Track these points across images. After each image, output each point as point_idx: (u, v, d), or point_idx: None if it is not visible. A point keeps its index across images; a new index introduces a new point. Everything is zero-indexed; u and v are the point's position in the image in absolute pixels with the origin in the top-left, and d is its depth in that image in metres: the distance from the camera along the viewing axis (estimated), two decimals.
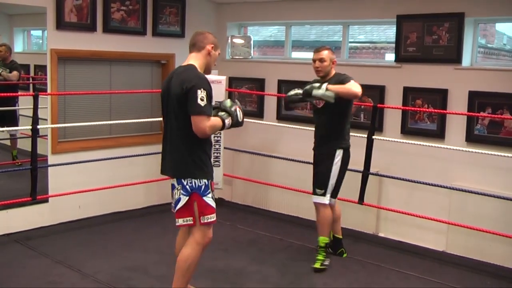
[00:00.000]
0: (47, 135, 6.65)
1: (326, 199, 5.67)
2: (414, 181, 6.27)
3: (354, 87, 5.34)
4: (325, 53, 5.60)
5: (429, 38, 6.37)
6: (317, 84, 5.42)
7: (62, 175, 6.70)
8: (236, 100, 4.67)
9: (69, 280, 5.25)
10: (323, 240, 5.72)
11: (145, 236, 6.56)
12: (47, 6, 6.43)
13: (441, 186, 6.11)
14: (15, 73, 7.03)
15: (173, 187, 4.42)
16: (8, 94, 6.46)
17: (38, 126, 6.05)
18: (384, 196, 6.81)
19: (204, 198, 4.34)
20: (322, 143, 5.74)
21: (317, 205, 5.74)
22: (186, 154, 4.26)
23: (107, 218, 7.15)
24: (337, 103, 5.34)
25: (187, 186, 4.29)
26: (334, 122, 5.63)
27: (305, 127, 6.91)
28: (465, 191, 5.97)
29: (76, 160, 6.70)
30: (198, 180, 4.30)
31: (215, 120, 4.26)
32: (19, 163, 7.10)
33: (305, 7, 7.44)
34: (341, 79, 5.45)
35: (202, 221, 4.38)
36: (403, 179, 6.37)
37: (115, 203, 7.31)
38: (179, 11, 7.71)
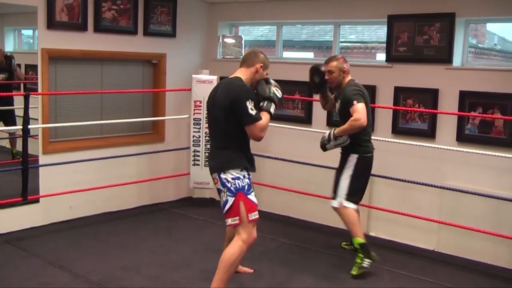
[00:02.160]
0: (38, 135, 6.63)
1: (335, 203, 5.62)
2: (405, 181, 6.29)
3: (356, 121, 5.26)
4: (333, 64, 5.58)
5: (420, 38, 6.39)
6: (326, 136, 5.56)
7: (53, 175, 6.68)
8: (269, 79, 4.82)
9: (61, 280, 5.23)
10: (356, 241, 5.54)
11: (137, 236, 6.55)
12: (38, 5, 6.40)
13: (432, 186, 6.14)
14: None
15: (218, 191, 4.66)
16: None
17: (29, 126, 6.04)
18: (375, 195, 6.82)
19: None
20: (343, 148, 5.70)
21: (335, 210, 5.69)
22: (228, 154, 4.60)
23: (98, 218, 7.13)
24: (348, 111, 5.36)
25: (229, 186, 4.55)
26: None
27: (296, 127, 6.93)
28: (456, 190, 6.00)
29: (67, 160, 6.69)
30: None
31: (265, 120, 4.54)
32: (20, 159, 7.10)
33: (296, 7, 7.45)
34: (347, 100, 5.38)
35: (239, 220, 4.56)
36: (394, 179, 6.39)
37: (107, 203, 7.29)
38: (170, 11, 7.70)
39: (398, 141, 6.38)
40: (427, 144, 6.15)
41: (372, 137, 6.38)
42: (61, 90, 6.81)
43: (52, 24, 6.51)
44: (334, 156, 6.87)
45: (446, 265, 5.96)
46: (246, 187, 4.56)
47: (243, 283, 5.34)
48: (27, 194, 6.16)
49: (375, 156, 6.48)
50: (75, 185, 6.77)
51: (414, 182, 6.24)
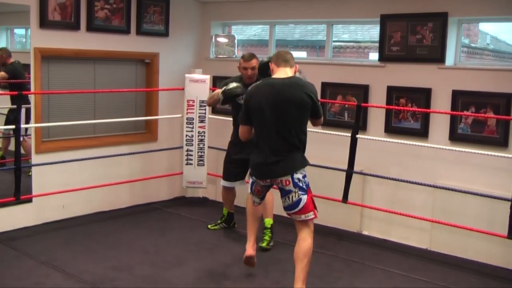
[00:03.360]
0: (30, 135, 6.61)
1: None
2: (398, 180, 6.31)
3: None
4: (255, 61, 6.01)
5: (413, 37, 6.40)
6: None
7: (46, 174, 6.67)
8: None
9: (53, 280, 5.22)
10: (269, 221, 6.22)
11: (129, 235, 6.53)
12: (30, 4, 6.38)
13: (425, 185, 6.14)
14: (1, 73, 6.99)
15: (283, 192, 4.82)
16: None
17: (22, 125, 6.02)
18: (368, 194, 6.84)
19: None
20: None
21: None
22: (297, 154, 4.85)
23: (91, 218, 7.12)
24: None
25: (301, 185, 4.78)
26: None
27: None
28: (449, 189, 6.01)
29: (60, 160, 6.67)
30: None
31: None
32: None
33: (289, 6, 7.45)
34: None
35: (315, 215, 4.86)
36: (387, 178, 6.40)
37: (99, 203, 7.28)
38: (163, 10, 7.69)
39: (391, 140, 6.38)
40: (420, 143, 6.16)
41: (365, 136, 6.43)
42: (53, 90, 6.80)
43: (44, 23, 6.49)
44: (326, 155, 6.89)
45: (439, 263, 5.97)
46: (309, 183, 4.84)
47: (236, 282, 5.34)
48: (19, 194, 6.14)
49: (368, 154, 6.52)
50: (68, 184, 6.76)
51: (407, 181, 6.24)
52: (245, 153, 5.82)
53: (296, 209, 4.74)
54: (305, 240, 4.75)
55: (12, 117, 6.65)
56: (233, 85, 5.75)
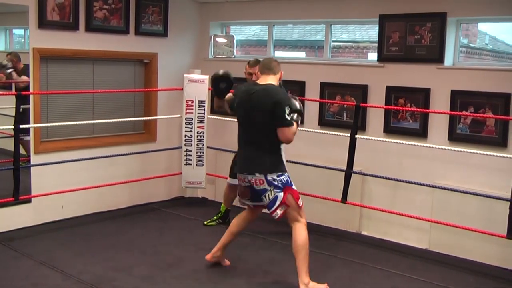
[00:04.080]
0: (29, 135, 6.61)
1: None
2: (397, 180, 6.31)
3: None
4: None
5: (412, 37, 6.40)
6: None
7: (45, 175, 6.67)
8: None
9: (52, 281, 5.22)
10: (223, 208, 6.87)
11: (128, 236, 6.53)
12: (29, 4, 6.39)
13: (423, 185, 6.14)
14: (24, 77, 6.95)
15: (260, 192, 5.06)
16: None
17: (21, 126, 6.02)
18: (367, 194, 6.84)
19: None
20: None
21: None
22: (269, 155, 5.07)
23: (90, 218, 7.11)
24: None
25: (276, 182, 5.03)
26: None
27: None
28: (448, 189, 6.01)
29: (59, 160, 6.67)
30: None
31: (295, 127, 5.02)
32: None
33: (287, 7, 7.45)
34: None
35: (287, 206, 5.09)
36: (386, 178, 6.39)
37: (98, 203, 7.28)
38: (162, 10, 7.69)
39: (390, 140, 6.38)
40: (418, 144, 6.16)
41: (364, 136, 6.44)
42: (52, 90, 6.79)
43: (43, 23, 6.49)
44: (325, 155, 6.90)
45: (438, 264, 5.98)
46: (290, 181, 5.11)
47: (234, 283, 5.34)
48: (18, 194, 6.14)
49: (367, 155, 6.52)
50: (66, 185, 6.76)
51: (406, 181, 6.25)
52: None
53: (273, 207, 5.01)
54: (297, 233, 5.01)
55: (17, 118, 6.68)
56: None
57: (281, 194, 4.98)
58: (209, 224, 6.87)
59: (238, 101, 5.16)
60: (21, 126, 6.00)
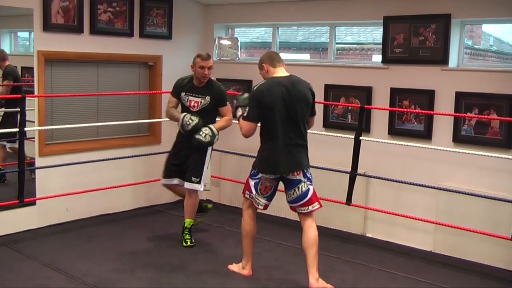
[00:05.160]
0: (34, 137, 6.62)
1: (200, 187, 6.23)
2: (402, 182, 6.29)
3: (230, 120, 6.22)
4: (212, 61, 6.13)
5: (416, 39, 6.40)
6: (208, 133, 6.06)
7: (50, 177, 6.69)
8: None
9: (57, 283, 5.22)
10: (189, 222, 6.33)
11: (133, 238, 6.54)
12: (33, 7, 6.41)
13: (428, 187, 6.13)
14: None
15: (294, 182, 5.09)
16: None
17: (25, 129, 6.03)
18: (371, 196, 6.84)
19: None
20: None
21: (191, 191, 6.23)
22: (307, 149, 5.17)
23: (94, 220, 7.12)
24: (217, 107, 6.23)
25: (309, 176, 5.14)
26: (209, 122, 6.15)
27: None
28: (452, 191, 6.00)
29: (63, 162, 6.68)
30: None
31: None
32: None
33: (292, 9, 7.45)
34: (222, 95, 6.23)
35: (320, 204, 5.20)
36: (390, 180, 6.38)
37: (103, 205, 7.29)
38: (166, 13, 7.70)
39: (394, 142, 6.38)
40: (423, 145, 6.15)
41: (368, 138, 6.43)
42: (57, 93, 6.81)
43: (48, 26, 6.51)
44: (329, 157, 6.89)
45: (443, 266, 5.97)
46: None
47: (239, 285, 5.34)
48: (23, 196, 6.15)
49: (371, 156, 6.52)
50: (71, 187, 6.77)
51: (410, 183, 6.24)
52: (177, 157, 6.31)
53: (305, 200, 5.08)
54: (312, 228, 5.11)
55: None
56: (193, 122, 5.98)
57: (311, 188, 5.12)
58: (197, 223, 6.67)
59: (274, 97, 4.94)
60: (26, 129, 6.01)
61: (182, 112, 6.15)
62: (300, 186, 5.08)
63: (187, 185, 6.18)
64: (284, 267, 5.74)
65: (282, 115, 4.96)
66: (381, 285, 5.45)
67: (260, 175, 5.16)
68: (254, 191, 5.20)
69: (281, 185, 5.23)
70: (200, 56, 6.07)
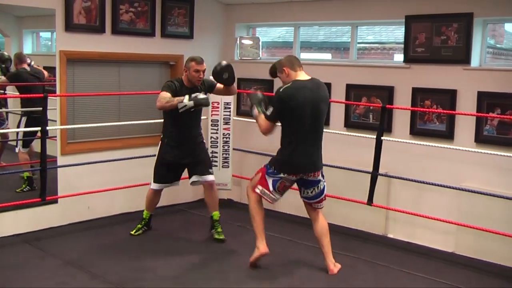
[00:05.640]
0: (56, 136, 6.67)
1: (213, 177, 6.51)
2: (423, 182, 6.26)
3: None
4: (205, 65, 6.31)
5: (438, 38, 6.36)
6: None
7: (72, 176, 6.74)
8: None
9: (79, 281, 5.27)
10: (218, 214, 6.59)
11: (154, 236, 6.57)
12: (56, 8, 6.46)
13: (450, 187, 6.10)
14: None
15: (313, 183, 5.43)
16: (14, 95, 6.49)
17: (48, 127, 6.08)
18: (392, 197, 6.80)
19: None
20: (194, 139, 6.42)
21: (212, 184, 6.47)
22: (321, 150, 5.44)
23: (116, 218, 7.17)
24: None
25: (323, 174, 5.50)
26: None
27: None
28: (474, 192, 5.96)
29: (85, 161, 6.73)
30: None
31: None
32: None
33: (313, 8, 7.44)
34: (210, 82, 6.48)
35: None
36: (412, 180, 6.36)
37: (124, 204, 7.33)
38: (187, 12, 7.72)
39: (416, 142, 6.35)
40: (445, 145, 6.11)
41: (390, 138, 6.40)
42: (79, 92, 6.86)
43: (70, 26, 6.56)
44: (351, 157, 6.88)
45: (464, 267, 5.93)
46: None
47: (259, 283, 5.35)
48: (45, 194, 6.22)
49: (393, 157, 6.49)
50: (93, 185, 6.83)
51: (432, 184, 6.20)
52: (175, 156, 6.36)
53: (321, 196, 5.52)
54: (323, 218, 5.59)
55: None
56: (202, 96, 5.98)
57: (325, 185, 5.53)
58: (136, 233, 6.64)
59: (300, 100, 5.15)
60: (48, 128, 6.07)
61: (172, 114, 6.24)
62: (319, 185, 5.44)
63: (208, 177, 6.41)
64: (306, 267, 5.73)
65: (307, 117, 5.18)
66: (401, 286, 5.43)
67: (281, 174, 5.34)
68: (271, 188, 5.41)
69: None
70: (194, 60, 6.22)
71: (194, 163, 6.39)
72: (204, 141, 6.60)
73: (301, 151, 5.26)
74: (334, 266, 5.54)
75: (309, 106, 5.16)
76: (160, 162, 6.44)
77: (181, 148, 6.33)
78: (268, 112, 5.28)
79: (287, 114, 5.20)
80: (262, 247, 5.53)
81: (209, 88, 6.43)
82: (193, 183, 6.50)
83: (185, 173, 6.57)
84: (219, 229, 6.52)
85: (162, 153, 6.42)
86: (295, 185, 5.54)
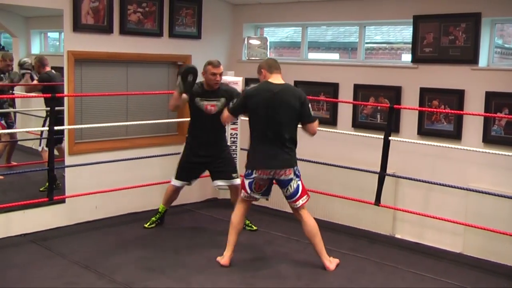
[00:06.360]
0: (64, 136, 6.70)
1: (239, 179, 6.60)
2: (431, 182, 6.25)
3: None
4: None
5: (446, 38, 6.34)
6: None
7: (79, 176, 6.75)
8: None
9: (86, 280, 5.27)
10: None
11: (161, 237, 6.57)
12: (64, 8, 6.47)
13: (457, 188, 6.08)
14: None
15: (286, 182, 5.49)
16: (24, 95, 6.51)
17: (55, 127, 6.10)
18: (400, 197, 6.79)
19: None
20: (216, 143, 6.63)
21: (238, 187, 6.45)
22: (294, 150, 5.55)
23: (123, 218, 7.18)
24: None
25: (298, 173, 5.53)
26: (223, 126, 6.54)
27: (321, 128, 6.89)
28: (482, 192, 5.94)
29: (92, 161, 6.75)
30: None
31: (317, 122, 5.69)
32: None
33: (321, 8, 7.43)
34: (235, 94, 6.33)
35: (308, 196, 5.65)
36: (419, 180, 6.34)
37: (132, 204, 7.34)
38: (195, 13, 7.73)
39: (423, 142, 6.34)
40: (452, 146, 6.08)
41: (398, 138, 6.38)
42: (86, 92, 6.87)
43: (77, 27, 6.57)
44: (358, 157, 6.87)
45: (472, 268, 5.90)
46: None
47: (266, 283, 5.34)
48: (53, 194, 6.24)
49: (401, 157, 6.47)
50: (100, 185, 6.84)
51: (439, 184, 6.19)
52: (199, 156, 6.57)
53: (296, 196, 5.53)
54: (310, 218, 5.61)
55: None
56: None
57: (300, 183, 5.54)
58: (149, 226, 6.85)
59: (259, 100, 5.41)
60: (56, 128, 6.08)
61: (194, 116, 6.58)
62: (292, 184, 5.50)
63: (235, 181, 6.66)
64: (312, 267, 5.72)
65: (264, 118, 5.39)
66: (409, 286, 5.41)
67: (254, 174, 5.52)
68: (249, 190, 5.58)
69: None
70: (211, 63, 6.36)
71: (220, 167, 6.65)
72: (228, 144, 6.94)
73: (261, 150, 5.47)
74: (330, 263, 5.65)
75: (265, 108, 5.38)
76: (184, 161, 6.66)
77: (204, 150, 6.54)
78: (231, 104, 5.66)
79: (248, 112, 5.53)
80: (225, 259, 5.71)
81: (231, 99, 6.22)
82: (218, 186, 6.84)
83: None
84: (247, 221, 6.77)
85: (186, 152, 6.65)
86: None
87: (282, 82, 5.51)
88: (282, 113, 5.36)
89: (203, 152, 6.54)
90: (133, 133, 7.45)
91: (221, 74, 6.39)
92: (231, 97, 6.21)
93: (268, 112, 5.36)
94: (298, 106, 5.41)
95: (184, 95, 6.34)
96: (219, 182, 6.69)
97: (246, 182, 5.57)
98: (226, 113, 5.72)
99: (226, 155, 6.69)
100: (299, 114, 5.45)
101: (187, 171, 6.65)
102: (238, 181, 6.60)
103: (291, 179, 5.47)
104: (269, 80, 5.50)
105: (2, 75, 7.15)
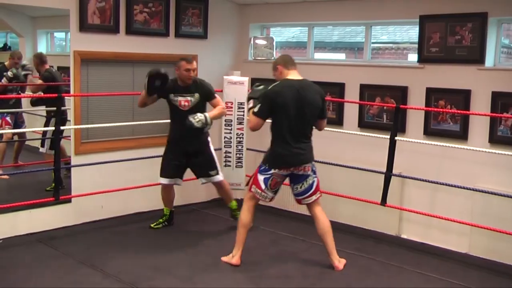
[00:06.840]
0: (70, 136, 6.70)
1: (221, 175, 6.79)
2: (437, 183, 6.23)
3: (225, 108, 6.78)
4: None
5: (452, 38, 6.33)
6: (203, 119, 6.34)
7: (85, 175, 6.77)
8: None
9: (92, 280, 5.29)
10: (234, 203, 7.06)
11: (167, 236, 6.58)
12: (70, 8, 6.48)
13: (464, 188, 6.06)
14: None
15: (302, 178, 5.54)
16: (25, 95, 6.53)
17: (62, 127, 6.11)
18: (406, 197, 6.78)
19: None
20: (195, 137, 6.55)
21: (217, 183, 6.81)
22: (312, 145, 5.60)
23: (129, 218, 7.19)
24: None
25: (314, 168, 5.59)
26: None
27: (327, 128, 6.89)
28: (488, 192, 5.92)
29: (99, 161, 6.76)
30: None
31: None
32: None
33: (327, 8, 7.43)
34: (209, 90, 6.59)
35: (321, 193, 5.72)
36: (425, 181, 6.32)
37: (138, 204, 7.35)
38: (201, 12, 7.73)
39: (429, 142, 6.32)
40: (459, 146, 6.07)
41: (404, 138, 6.37)
42: (93, 92, 6.88)
43: (84, 26, 6.58)
44: (364, 158, 6.86)
45: (478, 268, 5.89)
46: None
47: (272, 283, 5.34)
48: (59, 194, 6.26)
49: (407, 157, 6.46)
50: (106, 185, 6.85)
51: (445, 184, 6.17)
52: (180, 151, 6.60)
53: (310, 191, 5.56)
54: (323, 214, 5.65)
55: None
56: (201, 117, 6.33)
57: (316, 180, 5.60)
58: (155, 226, 6.86)
59: (286, 98, 5.34)
60: (62, 128, 6.10)
61: (171, 112, 6.60)
62: (308, 180, 5.54)
63: (215, 178, 6.75)
64: (318, 267, 5.72)
65: (292, 115, 5.34)
66: (415, 287, 5.40)
67: (272, 170, 5.50)
68: (263, 186, 5.55)
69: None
70: (185, 59, 6.45)
71: (198, 165, 6.72)
72: (209, 139, 6.75)
73: (287, 147, 5.42)
74: (339, 262, 5.65)
75: (293, 105, 5.33)
76: (165, 157, 6.70)
77: (182, 144, 6.56)
78: (256, 109, 5.44)
79: (273, 111, 5.40)
80: (236, 258, 5.70)
81: (204, 95, 6.51)
82: (203, 183, 6.85)
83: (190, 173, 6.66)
84: (236, 210, 6.90)
85: (167, 148, 6.73)
86: (322, 187, 5.62)
87: (300, 77, 5.50)
88: (308, 110, 5.38)
89: (182, 147, 6.55)
90: (139, 133, 7.45)
91: (194, 70, 6.46)
92: (205, 92, 6.48)
93: (296, 110, 5.34)
94: (320, 102, 5.49)
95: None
96: (202, 180, 6.80)
97: (261, 177, 5.54)
98: (254, 119, 5.46)
99: (207, 151, 6.69)
100: (320, 110, 5.51)
101: (170, 167, 6.64)
102: (218, 177, 6.74)
103: (308, 176, 5.53)
104: (288, 77, 5.48)
105: (6, 73, 7.18)
